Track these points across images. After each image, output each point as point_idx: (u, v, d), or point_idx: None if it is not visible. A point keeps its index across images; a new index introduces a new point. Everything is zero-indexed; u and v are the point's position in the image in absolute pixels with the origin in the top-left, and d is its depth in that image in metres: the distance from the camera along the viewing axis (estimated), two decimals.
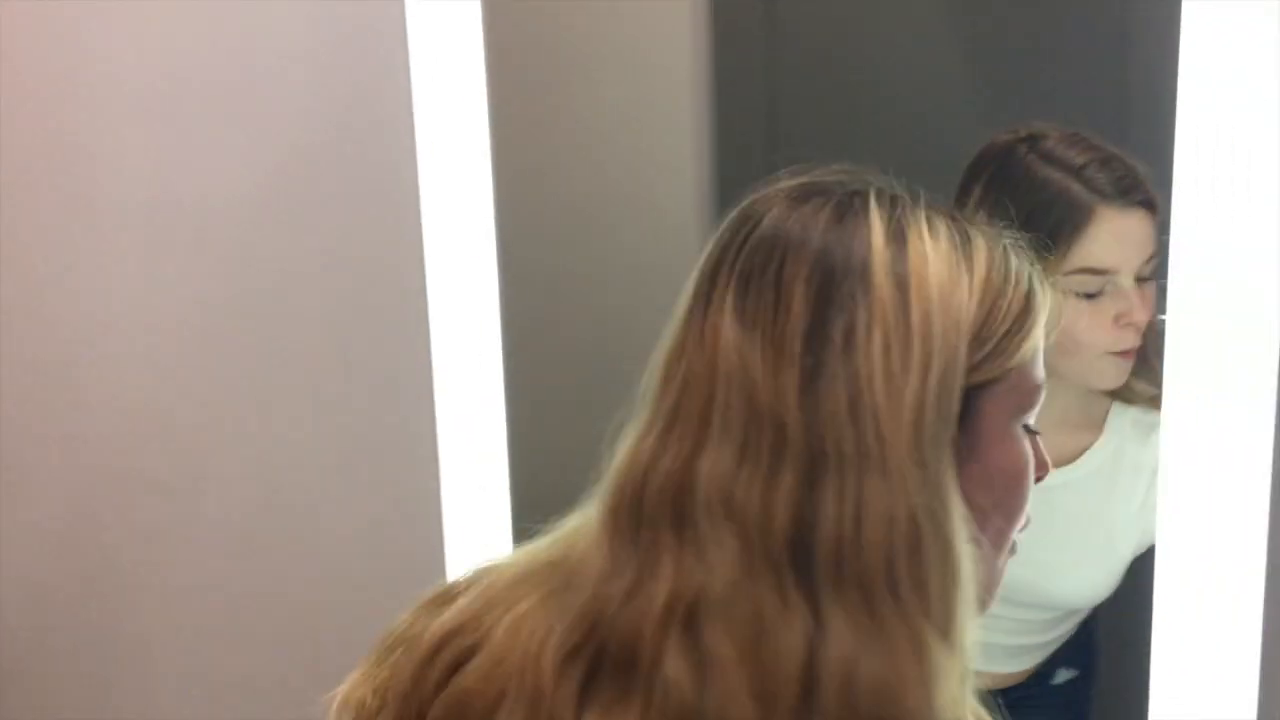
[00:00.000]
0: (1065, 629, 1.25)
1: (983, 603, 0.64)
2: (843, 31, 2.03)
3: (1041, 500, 1.10)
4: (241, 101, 1.84)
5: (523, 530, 0.74)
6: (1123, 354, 1.11)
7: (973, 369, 0.61)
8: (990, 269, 0.62)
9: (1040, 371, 0.65)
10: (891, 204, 0.63)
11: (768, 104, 2.08)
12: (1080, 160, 1.08)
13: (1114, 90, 1.84)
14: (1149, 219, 1.08)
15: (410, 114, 1.41)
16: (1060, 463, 1.13)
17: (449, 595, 0.70)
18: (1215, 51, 1.24)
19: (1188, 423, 1.14)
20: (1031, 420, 0.66)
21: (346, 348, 1.46)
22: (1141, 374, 1.16)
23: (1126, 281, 1.08)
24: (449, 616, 0.67)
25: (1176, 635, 1.05)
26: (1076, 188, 1.07)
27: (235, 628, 1.56)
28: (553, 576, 0.65)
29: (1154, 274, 1.09)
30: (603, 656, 0.61)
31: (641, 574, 0.61)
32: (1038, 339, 0.64)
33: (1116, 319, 1.09)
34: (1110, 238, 1.07)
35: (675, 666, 0.58)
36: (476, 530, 1.38)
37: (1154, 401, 1.15)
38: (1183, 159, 1.25)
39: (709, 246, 0.65)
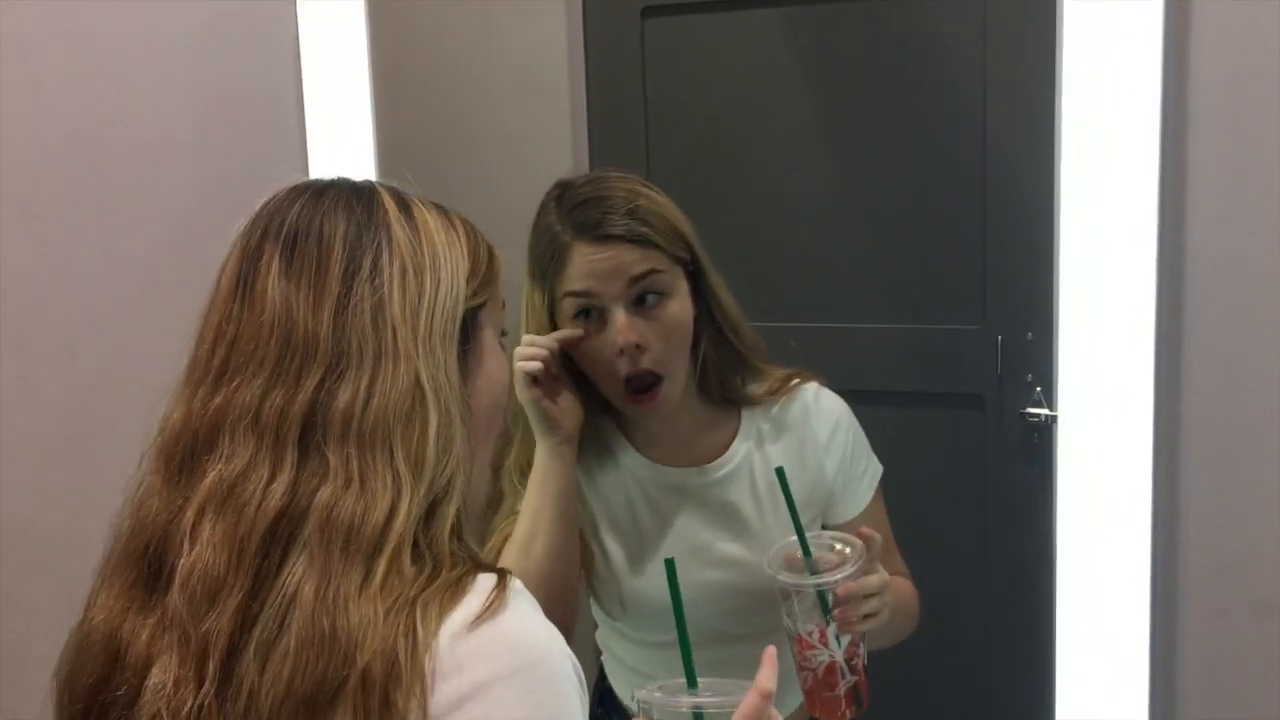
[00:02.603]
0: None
1: (477, 499, 0.84)
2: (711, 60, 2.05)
3: (712, 496, 1.29)
4: (121, 192, 1.79)
5: None
6: (629, 383, 1.21)
7: (472, 294, 0.83)
8: (465, 229, 0.86)
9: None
10: (392, 189, 0.84)
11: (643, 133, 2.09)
12: (570, 205, 1.22)
13: (971, 113, 1.88)
14: (628, 248, 1.19)
15: None
16: (713, 458, 1.31)
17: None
18: (1092, 79, 1.34)
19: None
20: (504, 329, 0.89)
21: None
22: (750, 379, 1.32)
23: (614, 307, 1.19)
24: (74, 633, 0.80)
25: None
26: (559, 229, 1.21)
27: None
28: (134, 547, 0.78)
29: (649, 299, 1.21)
30: (155, 578, 0.76)
31: (187, 499, 0.75)
32: (502, 271, 0.88)
33: (609, 351, 1.19)
34: (585, 266, 1.19)
35: (183, 555, 0.74)
36: None
37: (773, 395, 1.32)
38: (1064, 184, 1.38)
39: (239, 241, 0.81)
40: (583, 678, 0.76)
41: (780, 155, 2.04)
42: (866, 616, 1.14)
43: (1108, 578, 1.44)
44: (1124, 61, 1.37)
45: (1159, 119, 1.35)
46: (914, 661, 1.95)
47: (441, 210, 0.85)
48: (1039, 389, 1.89)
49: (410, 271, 0.79)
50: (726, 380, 1.30)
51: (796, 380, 1.34)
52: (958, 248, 1.95)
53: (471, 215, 0.88)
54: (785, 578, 1.15)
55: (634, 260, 1.19)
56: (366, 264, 0.78)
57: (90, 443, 1.82)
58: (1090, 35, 1.40)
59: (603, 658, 1.43)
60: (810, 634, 1.15)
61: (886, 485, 1.38)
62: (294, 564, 0.72)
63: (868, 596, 1.13)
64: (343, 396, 0.75)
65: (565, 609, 1.21)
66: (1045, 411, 1.87)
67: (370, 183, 0.85)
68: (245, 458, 0.74)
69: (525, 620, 0.73)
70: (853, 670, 1.16)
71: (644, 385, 1.22)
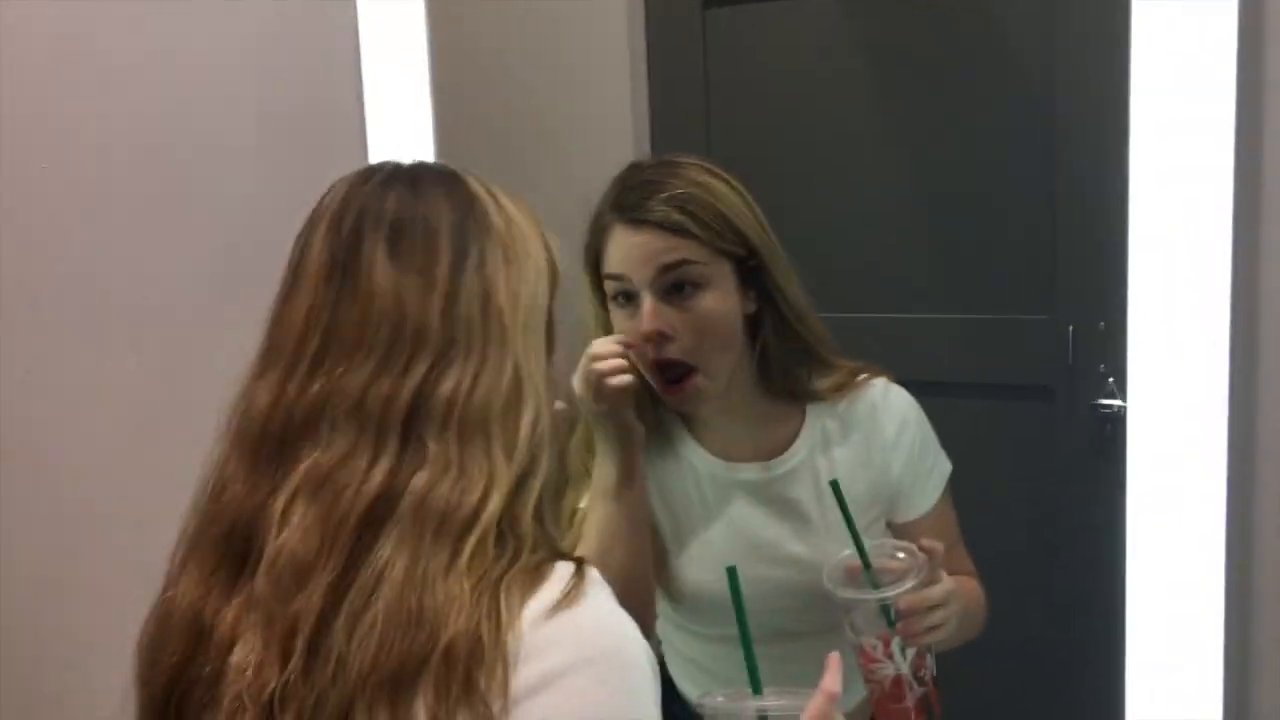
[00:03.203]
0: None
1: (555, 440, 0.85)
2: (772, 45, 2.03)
3: (774, 493, 1.27)
4: (186, 189, 1.82)
5: None
6: (661, 371, 1.19)
7: (550, 284, 0.84)
8: (537, 219, 0.86)
9: None
10: (475, 176, 0.85)
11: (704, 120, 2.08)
12: (622, 186, 1.22)
13: (1040, 96, 1.84)
14: (661, 235, 1.17)
15: None
16: (777, 453, 1.29)
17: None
18: (1165, 55, 1.31)
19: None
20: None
21: None
22: (816, 374, 1.29)
23: (644, 292, 1.18)
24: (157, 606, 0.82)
25: None
26: (604, 208, 1.22)
27: None
28: (216, 532, 0.78)
29: (685, 289, 1.19)
30: (242, 561, 0.76)
31: (276, 483, 0.76)
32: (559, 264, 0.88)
33: (642, 332, 1.19)
34: (620, 249, 1.19)
35: (275, 535, 0.74)
36: None
37: (839, 390, 1.29)
38: (1136, 166, 1.35)
39: (321, 227, 0.81)
40: (656, 669, 0.76)
41: (843, 144, 2.01)
42: (931, 629, 1.12)
43: (1180, 575, 1.40)
44: (1198, 40, 1.32)
45: (1234, 100, 1.30)
46: (979, 658, 1.92)
47: (517, 199, 0.86)
48: (1111, 380, 1.85)
49: (512, 261, 0.80)
50: (791, 373, 1.27)
51: (865, 375, 1.31)
52: (1026, 235, 1.91)
53: (533, 208, 0.87)
54: (845, 593, 1.13)
55: (665, 248, 1.18)
56: (473, 253, 0.79)
57: (156, 435, 1.86)
58: (1164, 12, 1.36)
59: (661, 648, 1.43)
60: (874, 647, 1.14)
61: (954, 478, 1.35)
62: (385, 544, 0.72)
63: (932, 609, 1.11)
64: (446, 385, 0.75)
65: (645, 607, 1.20)
66: (1118, 403, 1.82)
67: (452, 169, 0.85)
68: (345, 445, 0.75)
69: (603, 610, 0.74)
70: (920, 682, 1.15)
71: (676, 375, 1.20)
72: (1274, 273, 1.37)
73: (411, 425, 0.75)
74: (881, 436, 1.29)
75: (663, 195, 1.19)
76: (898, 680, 1.14)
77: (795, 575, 1.26)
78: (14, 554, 1.90)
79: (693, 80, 2.07)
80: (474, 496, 0.74)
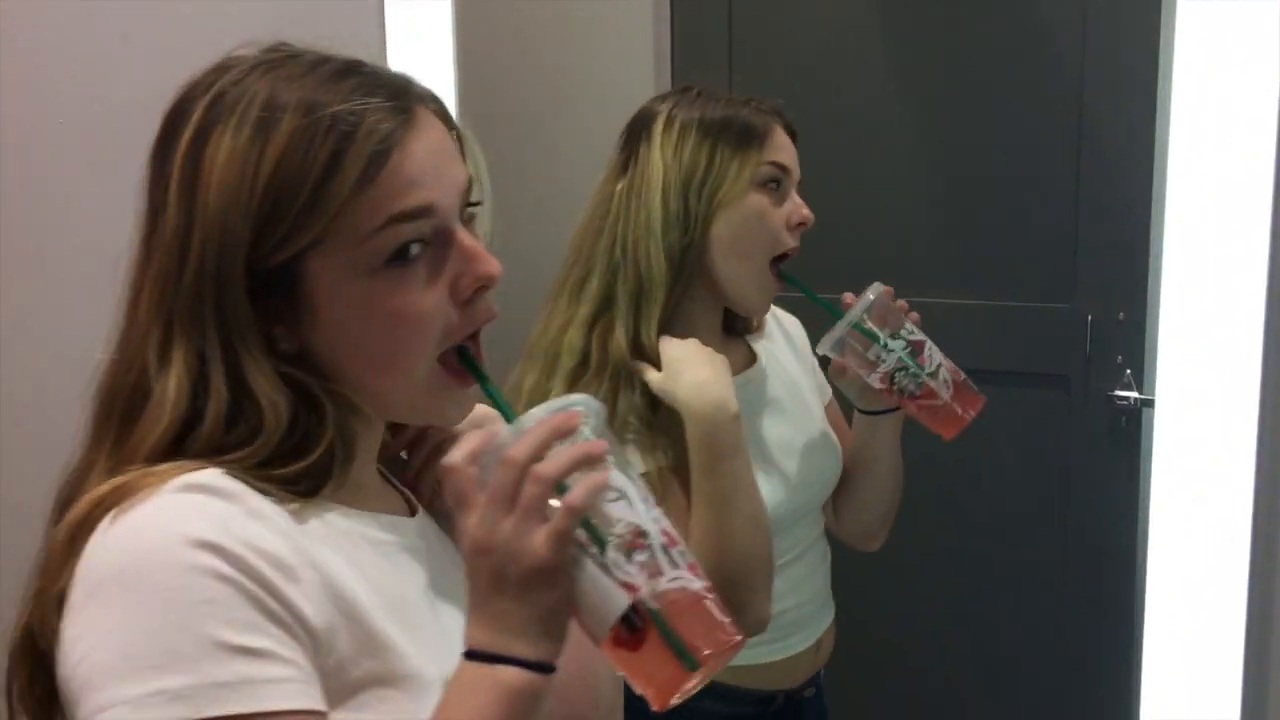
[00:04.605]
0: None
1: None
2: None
3: (765, 395, 1.35)
4: None
5: None
6: (783, 260, 1.29)
7: (277, 243, 0.67)
8: (287, 150, 0.67)
9: (410, 199, 0.68)
10: (214, 98, 0.69)
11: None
12: (742, 98, 1.30)
13: (1067, 79, 1.82)
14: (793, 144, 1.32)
15: None
16: (748, 365, 1.36)
17: None
18: (1202, 45, 1.28)
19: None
20: (413, 251, 0.69)
21: None
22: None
23: (792, 188, 1.30)
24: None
25: None
26: (753, 109, 1.29)
27: None
28: None
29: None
30: None
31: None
32: (349, 189, 0.67)
33: (790, 221, 1.28)
34: (783, 148, 1.29)
35: None
36: None
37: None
38: (1174, 158, 1.32)
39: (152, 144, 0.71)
40: (239, 559, 0.62)
41: (865, 122, 1.99)
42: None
43: (1202, 574, 1.38)
44: (1239, 29, 1.29)
45: (1277, 94, 1.27)
46: (990, 647, 1.91)
47: (264, 125, 0.68)
48: (1129, 371, 1.83)
49: (180, 233, 0.68)
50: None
51: None
52: (1048, 222, 1.88)
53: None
54: (838, 327, 1.25)
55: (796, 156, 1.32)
56: (152, 217, 0.70)
57: None
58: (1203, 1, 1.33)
59: None
60: (870, 348, 1.26)
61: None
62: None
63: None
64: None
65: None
66: (1135, 394, 1.81)
67: (186, 97, 0.71)
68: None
69: (135, 519, 0.63)
70: (931, 375, 1.27)
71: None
72: None
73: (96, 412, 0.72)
74: (793, 339, 1.44)
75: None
76: (929, 390, 1.25)
77: (793, 466, 1.32)
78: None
79: (717, 52, 2.04)
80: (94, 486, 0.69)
